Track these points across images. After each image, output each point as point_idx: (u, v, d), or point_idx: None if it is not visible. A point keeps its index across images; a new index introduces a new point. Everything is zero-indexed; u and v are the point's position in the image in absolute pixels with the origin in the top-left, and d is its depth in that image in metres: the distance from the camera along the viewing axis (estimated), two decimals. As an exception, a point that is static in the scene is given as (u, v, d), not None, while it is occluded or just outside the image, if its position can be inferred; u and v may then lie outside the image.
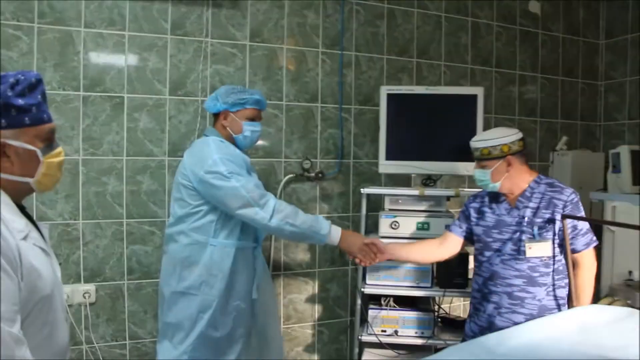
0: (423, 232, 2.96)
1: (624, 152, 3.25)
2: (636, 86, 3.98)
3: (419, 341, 2.95)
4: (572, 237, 2.35)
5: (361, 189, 3.02)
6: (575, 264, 2.38)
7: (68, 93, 2.82)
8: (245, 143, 2.53)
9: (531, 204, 2.39)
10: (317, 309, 3.45)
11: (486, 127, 3.50)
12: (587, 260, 2.38)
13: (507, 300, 2.39)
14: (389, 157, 3.08)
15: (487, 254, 2.46)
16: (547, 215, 2.35)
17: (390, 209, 3.04)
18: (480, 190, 2.59)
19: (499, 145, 2.37)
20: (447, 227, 2.71)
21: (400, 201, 3.04)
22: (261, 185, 2.41)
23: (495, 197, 2.50)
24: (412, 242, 2.74)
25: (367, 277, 3.01)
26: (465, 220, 2.61)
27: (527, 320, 2.26)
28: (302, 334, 3.43)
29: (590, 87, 4.23)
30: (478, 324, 2.47)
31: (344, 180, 3.47)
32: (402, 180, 3.42)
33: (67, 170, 2.83)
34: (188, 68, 3.05)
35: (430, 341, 2.94)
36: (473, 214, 2.57)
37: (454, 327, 3.17)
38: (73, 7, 2.81)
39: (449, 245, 2.64)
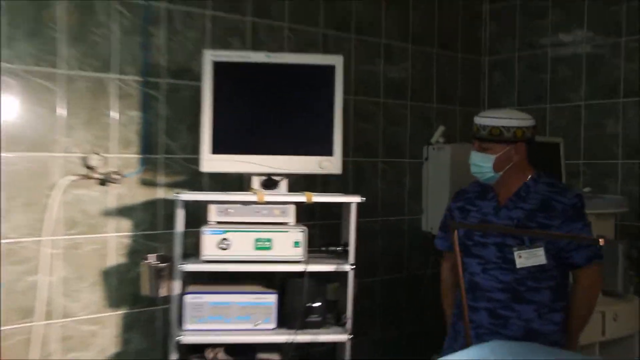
0: (264, 253, 3.04)
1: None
2: (526, 63, 4.39)
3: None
4: (572, 249, 2.67)
5: (175, 195, 3.06)
6: (574, 281, 2.75)
7: None
8: None
9: (525, 205, 2.73)
10: (112, 371, 3.43)
11: (345, 110, 3.66)
12: (587, 279, 2.71)
13: (488, 319, 2.73)
14: (215, 150, 3.14)
15: (467, 260, 2.75)
16: (543, 220, 2.66)
17: (217, 222, 3.09)
18: (462, 188, 3.02)
19: (513, 127, 2.69)
20: (435, 244, 3.10)
21: (231, 211, 3.09)
22: None
23: (483, 194, 2.87)
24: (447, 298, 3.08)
25: (186, 320, 3.05)
26: (448, 230, 2.91)
27: None
28: (90, 410, 3.37)
29: (472, 64, 4.59)
30: (454, 348, 2.76)
31: (151, 183, 3.47)
32: (234, 183, 3.49)
33: None
34: None
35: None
36: (457, 215, 2.92)
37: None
38: None
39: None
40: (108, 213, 3.35)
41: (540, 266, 2.66)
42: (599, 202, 3.71)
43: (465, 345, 2.69)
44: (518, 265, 2.66)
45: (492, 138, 2.72)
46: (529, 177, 2.78)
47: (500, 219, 2.75)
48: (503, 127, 2.70)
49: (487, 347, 2.33)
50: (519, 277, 2.69)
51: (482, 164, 2.76)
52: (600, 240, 1.98)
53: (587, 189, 3.84)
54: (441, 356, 2.84)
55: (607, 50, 4.06)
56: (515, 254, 2.66)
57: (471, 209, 2.89)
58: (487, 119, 2.75)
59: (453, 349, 2.81)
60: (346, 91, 3.77)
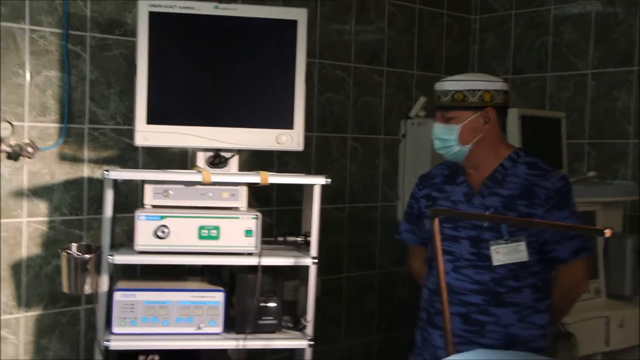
0: (210, 243, 3.04)
1: (513, 116, 3.55)
2: (525, 24, 4.40)
3: None
4: (556, 242, 2.67)
5: (104, 173, 3.01)
6: (555, 277, 2.79)
7: None
8: None
9: (502, 191, 2.71)
10: (24, 382, 3.43)
11: (308, 76, 3.67)
12: (569, 276, 2.75)
13: (461, 325, 2.71)
14: (152, 119, 3.12)
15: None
16: (524, 209, 2.65)
17: (154, 206, 3.09)
18: (429, 171, 3.03)
19: (479, 90, 2.69)
20: (399, 236, 3.13)
21: (171, 192, 3.09)
22: None
23: (452, 178, 2.85)
24: None
25: (115, 322, 3.04)
26: (416, 222, 3.01)
27: None
28: None
29: (461, 23, 4.61)
30: (424, 356, 2.85)
31: (74, 158, 3.45)
32: (176, 160, 3.55)
33: None
34: None
35: None
36: (423, 205, 2.91)
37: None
38: None
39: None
40: (20, 193, 3.32)
41: (522, 262, 2.68)
42: (605, 188, 3.74)
43: (435, 355, 2.76)
44: (494, 262, 2.67)
45: (455, 105, 2.71)
46: (506, 155, 2.76)
47: (473, 207, 2.73)
48: (467, 90, 2.69)
49: (470, 358, 2.28)
50: (497, 276, 2.69)
51: (446, 136, 2.73)
52: (606, 231, 1.88)
53: (592, 173, 3.85)
54: None
55: (621, 9, 4.05)
56: (492, 249, 2.66)
57: (438, 196, 2.86)
58: (448, 83, 2.74)
59: (422, 358, 2.90)
60: (310, 53, 3.77)
